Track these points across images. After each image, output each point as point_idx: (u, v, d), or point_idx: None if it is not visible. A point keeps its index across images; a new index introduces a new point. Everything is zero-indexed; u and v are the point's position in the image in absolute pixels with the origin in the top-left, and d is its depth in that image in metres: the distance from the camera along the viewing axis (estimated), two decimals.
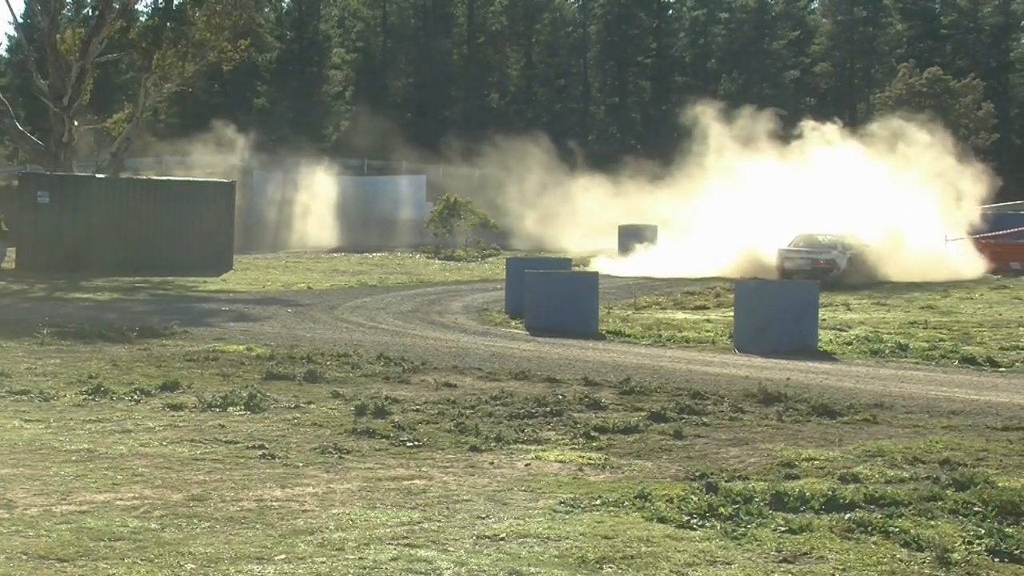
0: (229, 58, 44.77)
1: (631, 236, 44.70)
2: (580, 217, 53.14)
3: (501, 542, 7.53)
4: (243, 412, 12.15)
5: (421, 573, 6.89)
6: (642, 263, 39.55)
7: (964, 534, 7.87)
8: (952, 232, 40.12)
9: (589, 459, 10.21)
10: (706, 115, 45.43)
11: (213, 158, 59.47)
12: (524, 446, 10.75)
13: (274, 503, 8.42)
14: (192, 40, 43.29)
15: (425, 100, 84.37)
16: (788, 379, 15.60)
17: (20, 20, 57.01)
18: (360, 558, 7.12)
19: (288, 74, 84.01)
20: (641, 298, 29.99)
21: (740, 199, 39.06)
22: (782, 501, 8.52)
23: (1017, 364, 17.95)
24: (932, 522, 8.18)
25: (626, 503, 8.54)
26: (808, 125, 44.09)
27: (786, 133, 45.57)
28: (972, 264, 38.92)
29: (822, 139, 42.41)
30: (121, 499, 8.44)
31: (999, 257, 40.02)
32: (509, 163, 61.82)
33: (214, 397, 12.71)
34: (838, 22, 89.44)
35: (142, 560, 7.00)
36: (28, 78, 47.08)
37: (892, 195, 38.19)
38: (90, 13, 48.83)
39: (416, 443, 10.74)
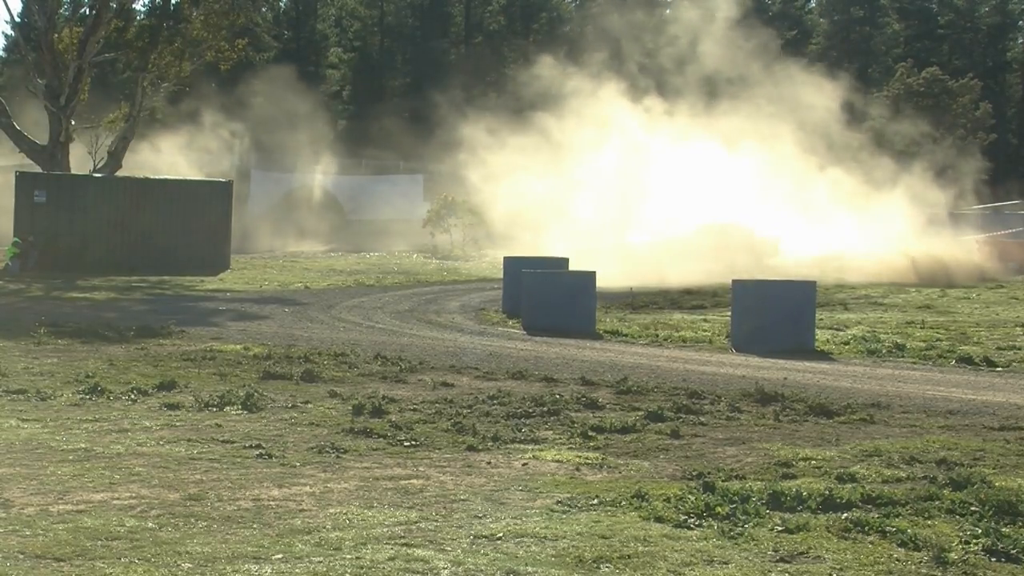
0: (226, 57, 44.75)
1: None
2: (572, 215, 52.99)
3: (498, 542, 7.53)
4: (240, 411, 12.14)
5: (418, 572, 6.89)
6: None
7: (961, 534, 7.87)
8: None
9: (586, 459, 10.20)
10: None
11: (210, 157, 59.43)
12: (521, 446, 10.75)
13: (271, 502, 8.42)
14: (189, 39, 43.28)
15: (422, 99, 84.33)
16: (785, 379, 15.60)
17: (17, 19, 57.16)
18: (357, 557, 7.11)
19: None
20: (638, 298, 29.96)
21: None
22: (779, 501, 8.52)
23: (1014, 364, 17.95)
24: (929, 522, 8.19)
25: (623, 503, 8.54)
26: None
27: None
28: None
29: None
30: (118, 498, 8.43)
31: None
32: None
33: (211, 396, 12.70)
34: (835, 22, 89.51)
35: (139, 560, 6.99)
36: (25, 77, 47.02)
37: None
38: (87, 12, 48.81)
39: (413, 443, 10.73)
